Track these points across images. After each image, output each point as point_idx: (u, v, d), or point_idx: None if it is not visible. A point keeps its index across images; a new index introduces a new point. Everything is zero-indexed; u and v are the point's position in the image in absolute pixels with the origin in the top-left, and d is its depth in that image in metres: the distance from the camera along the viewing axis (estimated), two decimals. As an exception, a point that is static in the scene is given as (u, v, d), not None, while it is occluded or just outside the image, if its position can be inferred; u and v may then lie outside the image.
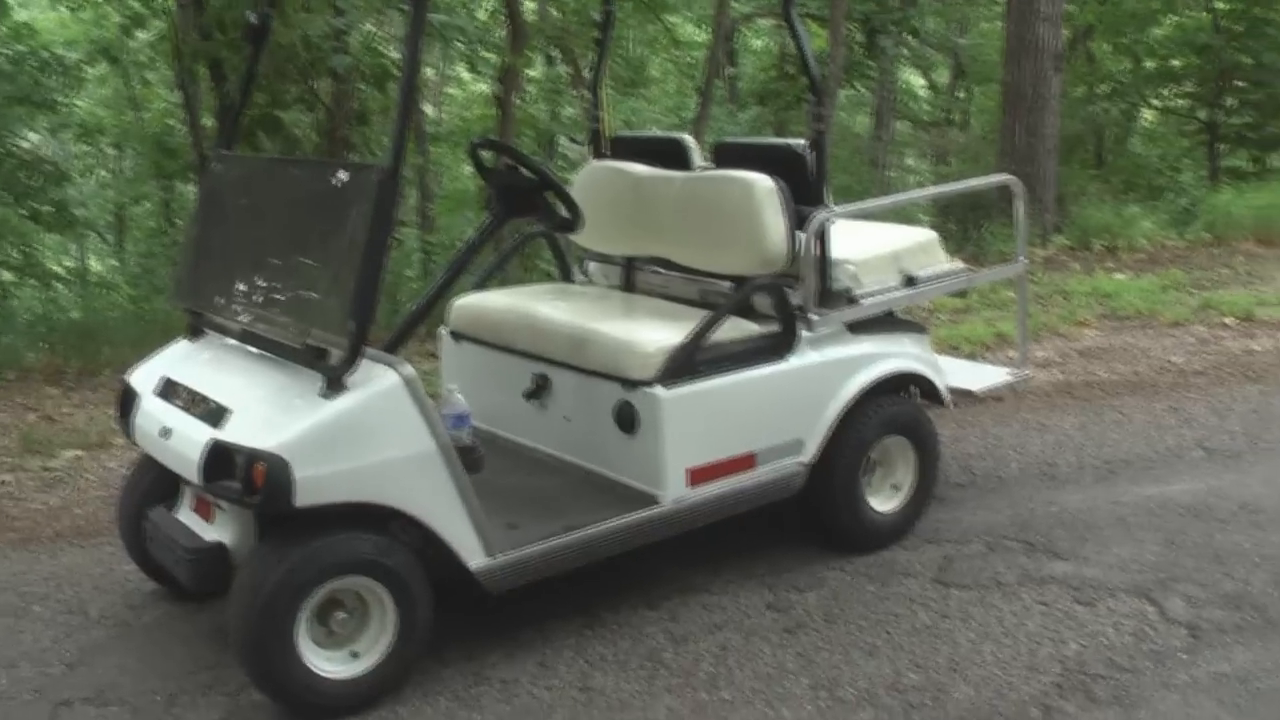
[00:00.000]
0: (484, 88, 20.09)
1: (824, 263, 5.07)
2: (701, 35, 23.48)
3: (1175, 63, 19.85)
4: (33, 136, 18.02)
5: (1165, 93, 20.52)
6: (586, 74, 17.91)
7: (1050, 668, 4.27)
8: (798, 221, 4.96)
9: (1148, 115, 21.94)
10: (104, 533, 5.77)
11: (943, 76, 26.20)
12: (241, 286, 4.60)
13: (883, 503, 5.32)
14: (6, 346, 10.27)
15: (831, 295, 5.12)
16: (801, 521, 5.27)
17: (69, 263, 21.31)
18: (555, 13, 17.20)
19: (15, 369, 8.94)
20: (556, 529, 4.44)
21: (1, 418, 7.70)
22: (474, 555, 4.20)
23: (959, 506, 5.72)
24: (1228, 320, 9.02)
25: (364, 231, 3.92)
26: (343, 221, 4.03)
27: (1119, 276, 10.65)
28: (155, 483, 4.79)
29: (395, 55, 13.66)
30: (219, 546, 4.29)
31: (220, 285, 4.74)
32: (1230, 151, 19.21)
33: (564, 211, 4.64)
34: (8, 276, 15.39)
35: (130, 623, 4.87)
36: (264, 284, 4.45)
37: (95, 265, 23.06)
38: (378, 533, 4.10)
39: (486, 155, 4.88)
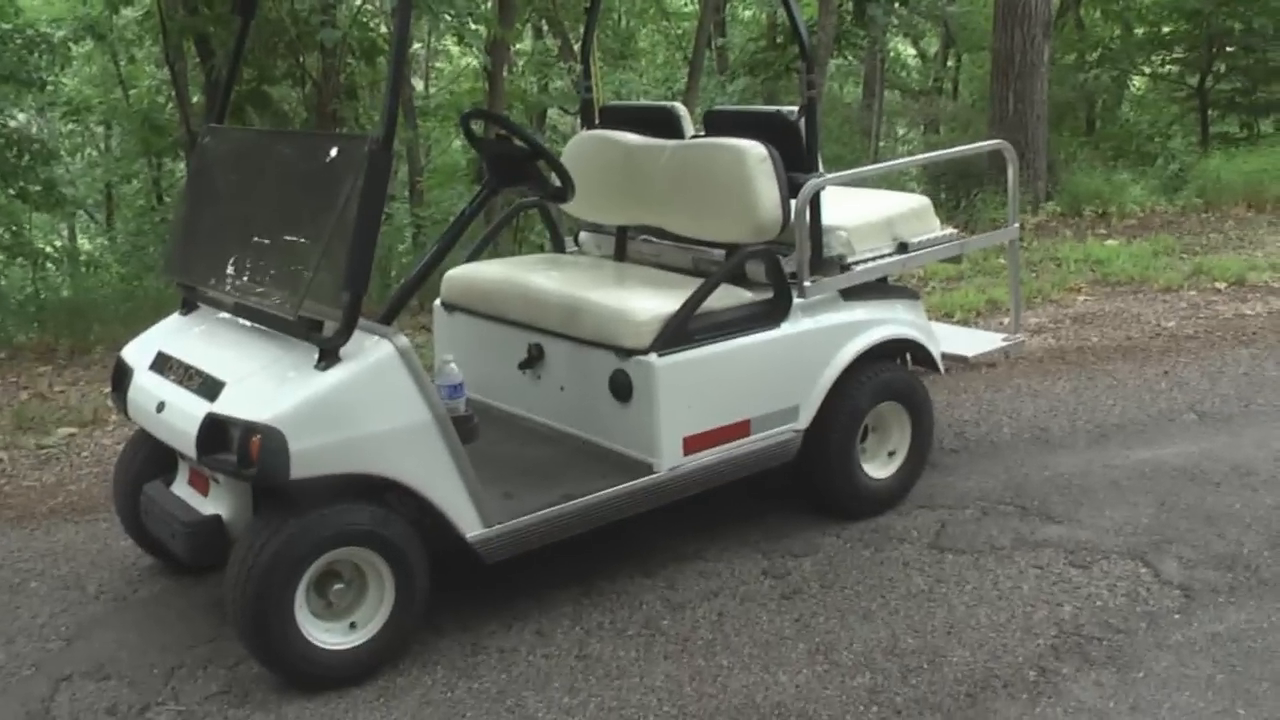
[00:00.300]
0: (472, 61, 20.02)
1: (816, 229, 5.06)
2: (690, 6, 23.42)
3: (1165, 29, 19.80)
4: (20, 116, 17.94)
5: (1155, 59, 20.46)
6: (575, 46, 17.88)
7: (1046, 630, 4.29)
8: (790, 189, 4.96)
9: (1137, 82, 21.89)
10: (99, 509, 5.78)
11: (932, 45, 26.12)
12: (234, 260, 4.59)
13: (877, 469, 5.34)
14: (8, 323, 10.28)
15: (824, 262, 5.13)
16: (796, 488, 5.28)
17: (58, 242, 21.24)
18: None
19: (7, 348, 8.94)
20: (553, 498, 4.45)
21: (-6, 396, 7.71)
22: (471, 525, 4.21)
23: (953, 472, 5.73)
24: (1219, 285, 9.03)
25: (357, 203, 3.92)
26: (336, 193, 4.02)
27: (1110, 242, 10.66)
28: (150, 457, 4.80)
29: (384, 30, 13.64)
30: (215, 519, 4.30)
31: (212, 259, 4.73)
32: (1220, 117, 19.19)
33: (556, 181, 4.65)
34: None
35: (127, 597, 4.88)
36: (257, 257, 4.44)
37: (85, 244, 23.00)
38: (374, 504, 4.11)
39: (478, 126, 4.87)
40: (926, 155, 10.86)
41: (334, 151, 4.19)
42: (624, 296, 4.87)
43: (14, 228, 16.76)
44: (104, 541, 5.40)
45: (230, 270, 4.59)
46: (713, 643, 4.32)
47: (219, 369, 4.28)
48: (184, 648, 4.43)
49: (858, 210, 5.44)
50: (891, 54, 24.53)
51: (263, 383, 4.13)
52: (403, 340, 4.09)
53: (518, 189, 4.89)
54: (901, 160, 9.52)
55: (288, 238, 4.33)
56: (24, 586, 5.02)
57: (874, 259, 5.33)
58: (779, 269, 4.93)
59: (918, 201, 5.71)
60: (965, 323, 8.09)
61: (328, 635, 4.11)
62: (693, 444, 4.72)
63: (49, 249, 17.86)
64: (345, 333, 3.97)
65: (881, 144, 20.56)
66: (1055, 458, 5.86)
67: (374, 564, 4.12)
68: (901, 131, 24.75)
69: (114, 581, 5.02)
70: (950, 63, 24.31)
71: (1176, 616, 4.34)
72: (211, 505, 4.37)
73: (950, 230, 5.73)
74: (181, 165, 19.27)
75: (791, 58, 18.76)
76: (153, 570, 5.05)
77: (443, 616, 4.46)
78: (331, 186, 4.07)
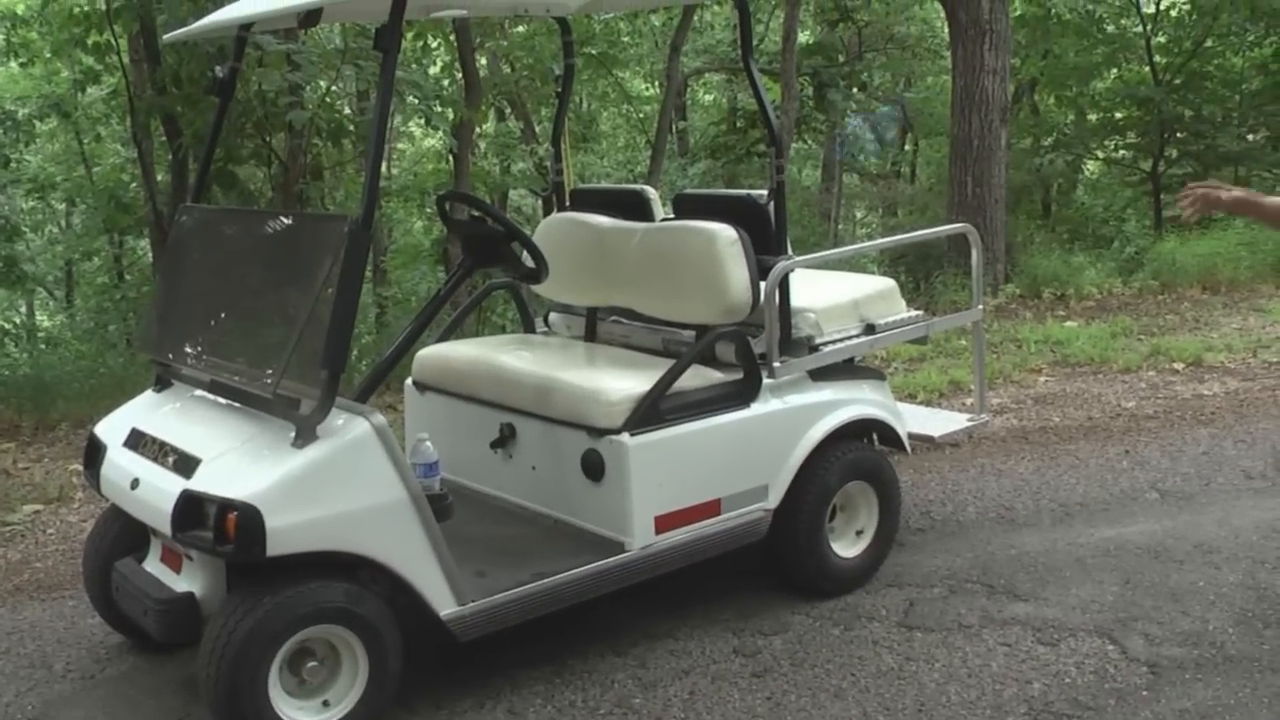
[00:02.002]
0: (433, 143, 20.16)
1: (786, 311, 5.13)
2: (651, 90, 23.69)
3: (1118, 115, 20.17)
4: (-20, 192, 17.94)
5: (1109, 144, 20.83)
6: (538, 128, 18.06)
7: (1016, 708, 4.33)
8: (759, 271, 5.03)
9: (1091, 166, 22.25)
10: (66, 586, 5.75)
11: (889, 130, 26.49)
12: (210, 337, 4.63)
13: (846, 548, 5.37)
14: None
15: (793, 343, 5.20)
16: (765, 566, 5.32)
17: (15, 319, 21.16)
18: (507, 69, 17.32)
19: (-31, 425, 8.89)
20: (525, 577, 4.47)
21: (-43, 473, 7.66)
22: (445, 603, 4.22)
23: (920, 550, 5.78)
24: (1177, 365, 9.16)
25: (336, 282, 3.96)
26: (315, 272, 4.07)
27: (1069, 324, 10.80)
28: (121, 534, 4.80)
29: (347, 112, 13.75)
30: (189, 597, 4.30)
31: (189, 336, 4.77)
32: (1173, 201, 19.47)
33: (530, 262, 4.71)
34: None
35: (96, 675, 4.85)
36: (234, 334, 4.49)
37: (44, 321, 22.91)
38: (349, 581, 4.12)
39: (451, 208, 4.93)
40: (893, 239, 11.00)
41: (313, 230, 4.24)
42: (596, 376, 4.92)
43: (-29, 304, 16.69)
44: (71, 619, 5.37)
45: (206, 347, 4.62)
46: (685, 721, 4.34)
47: (194, 446, 4.29)
48: (153, 727, 4.41)
49: (825, 292, 5.51)
50: (850, 136, 24.83)
51: (239, 460, 4.15)
52: (379, 419, 4.11)
53: (492, 269, 4.94)
54: (870, 244, 9.66)
55: (265, 315, 4.38)
56: (-10, 665, 4.99)
57: (842, 340, 5.40)
58: (749, 350, 4.99)
59: (884, 283, 5.80)
60: (928, 403, 8.17)
61: (301, 713, 4.10)
62: (664, 523, 4.75)
63: (7, 325, 17.80)
64: (323, 410, 3.99)
65: (840, 227, 20.77)
66: (1020, 536, 5.92)
67: (348, 642, 4.12)
68: (860, 215, 25.04)
69: (82, 659, 4.98)
70: (907, 147, 24.64)
71: (1144, 693, 4.38)
72: (184, 582, 4.36)
73: (916, 312, 5.81)
74: (144, 243, 19.30)
75: (752, 141, 19.04)
76: (121, 648, 5.02)
77: (415, 695, 4.46)
78: (310, 265, 4.12)
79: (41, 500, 7.01)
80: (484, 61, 16.84)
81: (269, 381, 4.12)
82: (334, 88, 12.66)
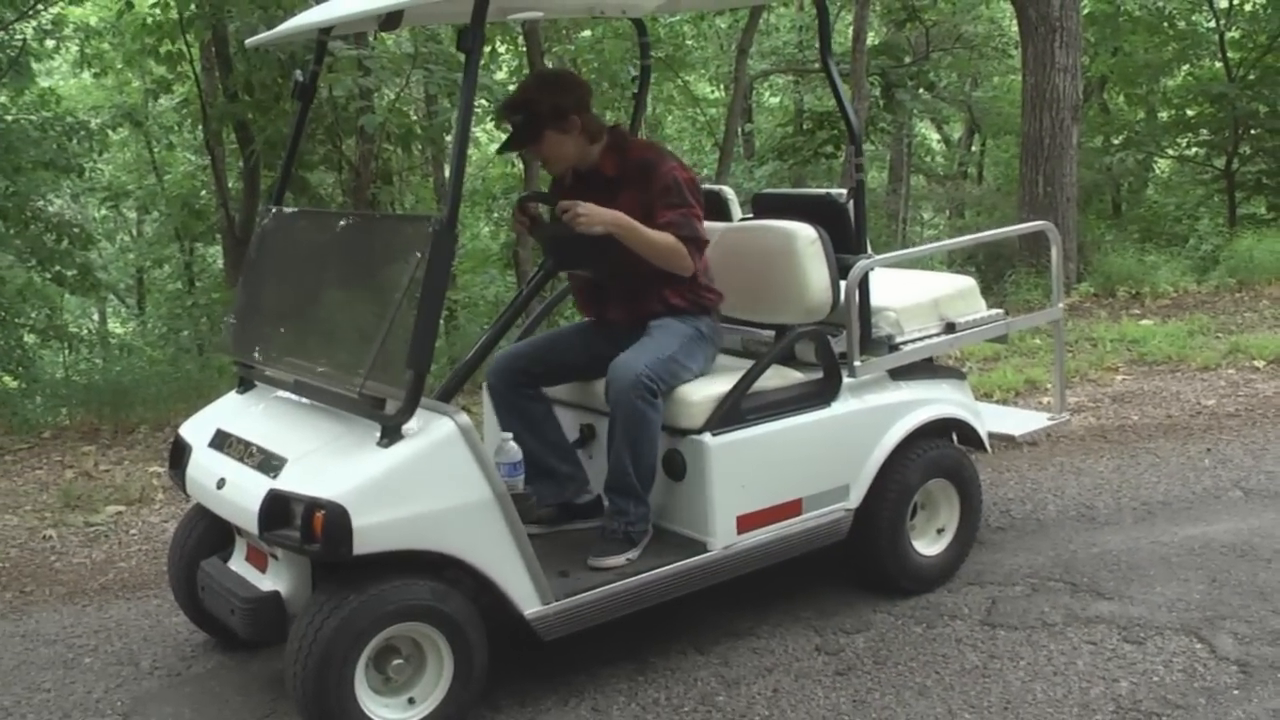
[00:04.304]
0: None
1: (866, 310, 5.11)
2: (717, 93, 23.68)
3: (1190, 112, 19.96)
4: (56, 201, 18.21)
5: (1181, 142, 20.62)
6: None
7: (1104, 706, 4.28)
8: (839, 270, 5.02)
9: (1162, 164, 22.03)
10: (150, 585, 5.82)
11: (956, 131, 26.36)
12: (294, 338, 4.66)
13: (927, 546, 5.35)
14: (38, 406, 10.38)
15: (873, 342, 5.17)
16: (846, 565, 5.30)
17: (88, 325, 21.48)
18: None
19: (51, 428, 9.03)
20: (608, 577, 4.48)
21: (40, 475, 7.78)
22: (529, 602, 4.23)
23: (1000, 549, 5.74)
24: (1258, 363, 9.03)
25: (421, 282, 3.98)
26: (400, 273, 4.09)
27: (1145, 322, 10.68)
28: (206, 534, 4.86)
29: (415, 118, 13.83)
30: (275, 595, 4.33)
31: (272, 337, 4.81)
32: (1246, 199, 19.27)
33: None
34: (31, 339, 15.50)
35: (182, 673, 4.90)
36: (317, 335, 4.52)
37: (116, 328, 23.23)
38: (434, 579, 4.14)
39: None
40: (971, 237, 10.91)
41: (398, 231, 4.26)
42: (676, 376, 4.91)
43: (49, 311, 16.96)
44: (156, 617, 5.44)
45: (290, 348, 4.66)
46: (769, 719, 4.32)
47: (280, 446, 4.33)
48: (241, 724, 4.46)
49: (905, 291, 5.48)
50: (918, 139, 24.77)
51: (325, 459, 4.18)
52: (464, 419, 4.13)
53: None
54: (949, 242, 9.60)
55: (350, 317, 4.41)
56: (78, 662, 5.05)
57: (922, 339, 5.38)
58: (829, 349, 4.98)
59: (964, 282, 5.76)
60: (1004, 402, 8.12)
61: (386, 710, 4.12)
62: (746, 523, 4.74)
63: (84, 331, 18.06)
64: (409, 410, 4.01)
65: (907, 228, 20.70)
66: (1102, 535, 5.86)
67: (433, 639, 4.14)
68: (927, 216, 24.93)
69: (168, 657, 5.04)
70: (975, 147, 24.51)
71: (1235, 692, 4.32)
72: (270, 581, 4.40)
73: (995, 311, 5.77)
74: (215, 250, 19.54)
75: (820, 143, 19.00)
76: (206, 646, 5.07)
77: (500, 693, 4.48)
78: (395, 266, 4.15)
79: (123, 501, 7.11)
80: (550, 66, 16.90)
81: (356, 382, 4.15)
82: (403, 93, 12.76)
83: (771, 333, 5.22)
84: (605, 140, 4.85)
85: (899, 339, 5.28)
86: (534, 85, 4.94)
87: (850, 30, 16.74)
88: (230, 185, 14.80)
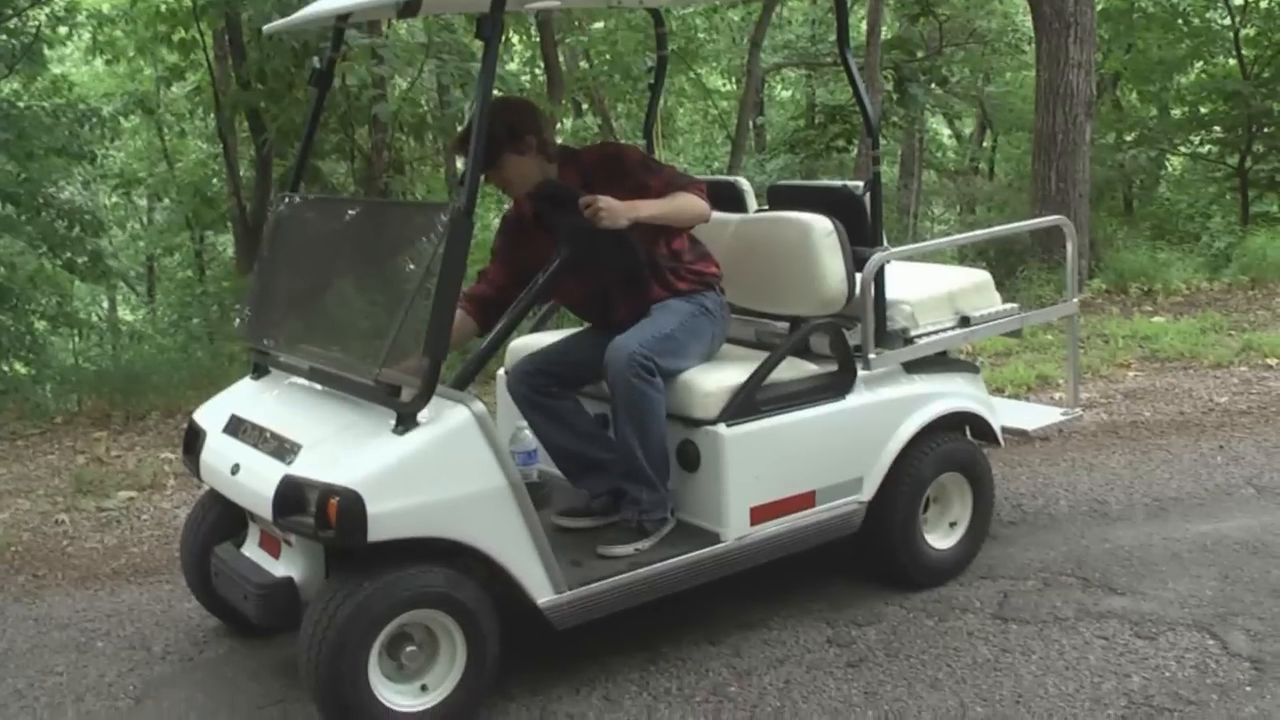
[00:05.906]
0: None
1: (881, 303, 5.11)
2: (728, 86, 23.66)
3: (1203, 109, 19.91)
4: (68, 188, 18.21)
5: (1193, 139, 20.56)
6: (616, 124, 18.08)
7: (1115, 701, 4.28)
8: (855, 263, 5.01)
9: (1174, 162, 21.97)
10: (162, 571, 5.84)
11: (968, 126, 26.32)
12: (309, 325, 4.67)
13: (940, 539, 5.35)
14: (49, 392, 10.39)
15: (888, 335, 5.17)
16: (858, 558, 5.30)
17: (98, 313, 21.50)
18: (584, 64, 17.37)
19: (63, 414, 9.04)
20: (621, 566, 4.48)
21: (52, 460, 7.79)
22: (542, 591, 4.23)
23: (1012, 543, 5.74)
24: (1270, 361, 9.00)
25: (437, 269, 3.97)
26: (417, 260, 4.10)
27: (1157, 319, 10.65)
28: (219, 520, 4.87)
29: (426, 107, 13.81)
30: (288, 581, 4.34)
31: (287, 324, 4.81)
32: (1259, 196, 19.22)
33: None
34: (41, 326, 15.50)
35: (194, 658, 4.92)
36: (333, 322, 4.52)
37: (126, 315, 23.24)
38: (448, 566, 4.14)
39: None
40: (987, 231, 10.88)
41: (415, 218, 4.26)
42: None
43: (59, 298, 16.95)
44: (168, 603, 5.45)
45: (306, 335, 4.66)
46: (781, 710, 4.32)
47: (294, 432, 4.33)
48: (253, 708, 4.46)
49: (920, 284, 5.48)
50: (929, 134, 24.74)
51: (339, 446, 4.18)
52: (479, 406, 4.13)
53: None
54: (965, 236, 9.62)
55: (366, 303, 4.40)
56: (90, 646, 5.07)
57: (937, 332, 5.37)
58: (844, 342, 4.98)
59: (979, 276, 5.76)
60: (1016, 397, 8.09)
61: (399, 697, 4.12)
62: (759, 514, 4.74)
63: (94, 319, 18.06)
64: (424, 398, 4.01)
65: (918, 223, 20.67)
66: (1114, 530, 5.86)
67: (446, 627, 4.14)
68: (938, 211, 24.89)
69: (180, 642, 5.06)
70: (986, 143, 24.46)
71: (1248, 689, 4.32)
72: (283, 567, 4.41)
73: (1010, 305, 5.76)
74: (225, 238, 19.53)
75: (831, 136, 18.96)
76: (218, 631, 5.08)
77: (512, 681, 4.48)
78: (412, 253, 4.15)
79: (135, 487, 7.12)
80: (561, 58, 16.91)
81: (372, 369, 4.15)
82: (416, 83, 12.75)
83: (786, 325, 5.22)
84: (560, 158, 4.83)
85: (914, 332, 5.27)
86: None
87: (864, 24, 16.71)
88: (242, 173, 14.79)
